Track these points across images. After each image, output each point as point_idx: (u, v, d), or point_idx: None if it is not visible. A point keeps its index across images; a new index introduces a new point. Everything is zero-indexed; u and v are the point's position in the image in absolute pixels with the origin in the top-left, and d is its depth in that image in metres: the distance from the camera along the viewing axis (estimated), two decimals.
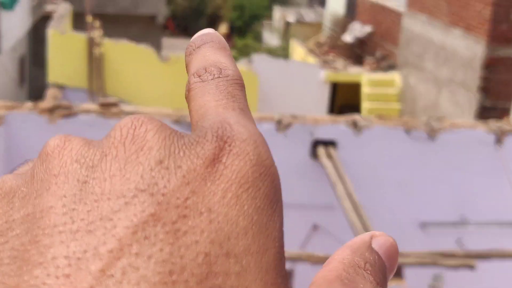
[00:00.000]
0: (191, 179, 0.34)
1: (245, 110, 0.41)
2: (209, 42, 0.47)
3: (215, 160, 0.35)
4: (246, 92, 0.44)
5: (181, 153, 0.35)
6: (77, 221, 0.32)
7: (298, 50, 22.28)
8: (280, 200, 0.37)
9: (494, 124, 9.57)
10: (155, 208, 0.32)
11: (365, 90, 17.49)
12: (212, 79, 0.42)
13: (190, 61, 0.46)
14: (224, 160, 0.35)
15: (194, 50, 0.46)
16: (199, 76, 0.43)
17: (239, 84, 0.44)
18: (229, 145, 0.35)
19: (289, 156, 8.93)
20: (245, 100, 0.43)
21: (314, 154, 8.93)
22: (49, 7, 20.75)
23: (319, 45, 22.32)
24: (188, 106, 0.43)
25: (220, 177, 0.34)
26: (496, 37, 13.78)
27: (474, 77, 14.23)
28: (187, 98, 0.43)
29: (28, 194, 0.35)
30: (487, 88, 14.05)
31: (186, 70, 0.46)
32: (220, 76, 0.43)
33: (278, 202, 0.36)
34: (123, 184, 0.33)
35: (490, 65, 13.94)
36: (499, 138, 9.32)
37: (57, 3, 20.72)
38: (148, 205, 0.32)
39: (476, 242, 8.58)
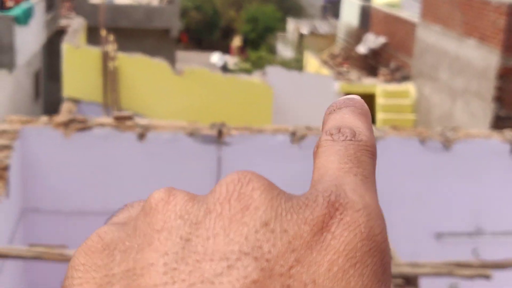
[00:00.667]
0: (297, 246, 0.32)
1: (368, 178, 0.39)
2: (351, 106, 0.44)
3: (323, 228, 0.33)
4: (364, 155, 0.40)
5: (288, 216, 0.33)
6: (178, 281, 0.31)
7: (312, 62, 22.33)
8: (389, 280, 0.35)
9: (509, 133, 9.54)
10: (259, 275, 0.31)
11: (379, 101, 17.51)
12: (343, 140, 0.40)
13: (327, 119, 0.44)
14: (333, 229, 0.33)
15: (334, 110, 0.45)
16: (331, 135, 0.41)
17: (370, 151, 0.41)
18: (340, 213, 0.33)
19: (304, 167, 8.92)
20: (373, 168, 0.40)
21: None
22: (63, 22, 20.96)
23: (333, 56, 22.39)
24: (313, 163, 0.41)
25: (327, 247, 0.33)
26: (510, 47, 13.74)
27: (488, 87, 14.19)
28: (314, 154, 0.41)
29: (129, 248, 0.35)
30: (502, 98, 14.00)
31: (321, 127, 0.44)
32: (352, 139, 0.40)
33: (386, 282, 0.34)
34: (226, 244, 0.33)
35: (505, 75, 13.90)
36: None
37: (71, 18, 20.91)
38: (251, 271, 0.31)
39: (492, 252, 8.51)
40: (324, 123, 0.44)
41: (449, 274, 7.14)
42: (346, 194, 0.34)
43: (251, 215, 0.33)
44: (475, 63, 14.75)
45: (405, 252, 7.67)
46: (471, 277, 7.21)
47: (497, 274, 7.38)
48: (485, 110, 14.25)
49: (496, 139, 9.39)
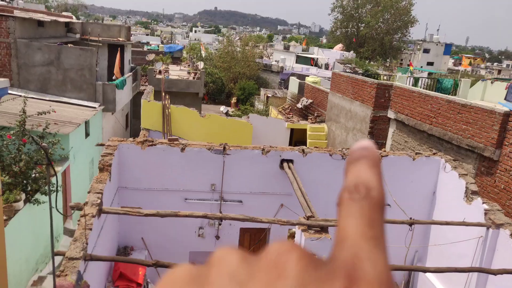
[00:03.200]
0: None
1: (379, 238, 0.30)
2: (366, 157, 0.34)
3: None
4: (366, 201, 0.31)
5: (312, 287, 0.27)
6: None
7: (273, 112, 22.43)
8: None
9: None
10: None
11: (309, 132, 17.61)
12: (359, 199, 0.31)
13: (348, 170, 0.34)
14: None
15: (353, 161, 0.34)
16: (350, 193, 0.32)
17: (380, 206, 0.32)
18: (357, 286, 0.26)
19: (268, 167, 9.00)
20: (382, 223, 0.31)
21: (281, 167, 9.00)
22: (141, 88, 20.95)
23: (284, 109, 22.49)
24: (337, 216, 0.33)
25: None
26: (377, 105, 13.97)
27: (366, 126, 14.37)
28: (338, 206, 0.33)
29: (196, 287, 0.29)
30: (372, 132, 14.19)
31: (344, 174, 0.34)
32: (366, 197, 0.32)
33: None
34: None
35: (374, 120, 14.11)
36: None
37: (146, 85, 20.90)
38: None
39: None
40: (346, 172, 0.34)
41: None
42: (361, 265, 0.27)
43: (282, 282, 0.27)
44: (359, 114, 14.95)
45: (321, 214, 7.60)
46: None
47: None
48: (364, 139, 14.41)
49: None
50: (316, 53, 48.17)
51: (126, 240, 8.79)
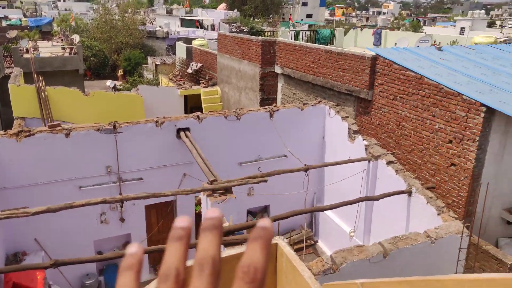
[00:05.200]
0: None
1: None
2: (262, 238, 0.39)
3: None
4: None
5: None
6: None
7: (164, 80, 21.70)
8: None
9: (268, 107, 9.99)
10: None
11: (203, 97, 17.49)
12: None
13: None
14: None
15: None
16: (242, 273, 0.38)
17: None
18: None
19: (164, 139, 8.81)
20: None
21: (178, 136, 8.87)
22: (7, 71, 18.40)
23: (174, 76, 21.89)
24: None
25: None
26: (264, 62, 14.34)
27: (256, 84, 14.73)
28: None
29: None
30: (263, 89, 14.62)
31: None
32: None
33: None
34: None
35: (263, 77, 14.51)
36: (271, 114, 9.75)
37: (12, 68, 18.40)
38: None
39: (266, 168, 8.95)
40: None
41: (246, 182, 7.39)
42: None
43: None
44: (249, 73, 15.22)
45: (223, 176, 7.75)
46: (257, 182, 7.55)
47: (270, 178, 7.71)
48: (256, 96, 14.82)
49: (263, 111, 9.81)
50: (200, 14, 47.11)
51: (15, 245, 7.97)
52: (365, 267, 5.55)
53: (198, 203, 10.17)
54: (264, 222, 0.42)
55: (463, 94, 8.47)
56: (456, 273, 6.14)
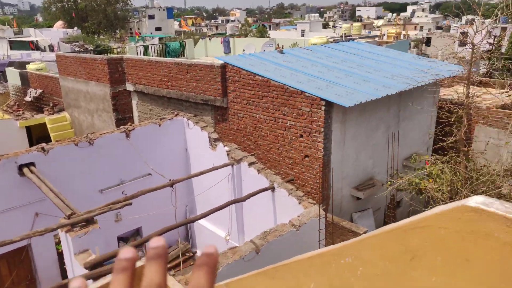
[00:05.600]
0: None
1: None
2: (207, 265, 0.42)
3: None
4: None
5: None
6: None
7: None
8: None
9: (123, 127, 9.71)
10: None
11: (49, 126, 16.03)
12: None
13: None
14: None
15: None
16: None
17: None
18: None
19: (4, 179, 7.85)
20: None
21: (21, 173, 8.01)
22: None
23: (10, 106, 19.54)
24: None
25: None
26: (113, 81, 13.84)
27: (109, 105, 14.13)
28: None
29: None
30: (117, 109, 14.10)
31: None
32: None
33: None
34: None
35: (115, 97, 14.00)
36: (127, 134, 9.50)
37: None
38: None
39: (132, 190, 8.68)
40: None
41: (109, 209, 7.08)
42: None
43: None
44: (98, 94, 14.49)
45: (84, 207, 7.31)
46: (121, 207, 7.29)
47: (135, 200, 7.52)
48: (111, 117, 14.20)
49: (117, 132, 9.49)
50: (33, 34, 42.87)
51: None
52: (241, 266, 5.87)
53: (59, 242, 9.33)
54: (208, 249, 0.44)
55: (305, 92, 9.53)
56: None
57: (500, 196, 7.59)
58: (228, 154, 9.01)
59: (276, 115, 10.11)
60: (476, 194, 7.44)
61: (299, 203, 7.70)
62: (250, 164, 8.71)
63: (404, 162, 10.56)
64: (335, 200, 9.56)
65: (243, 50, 17.58)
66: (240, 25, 62.61)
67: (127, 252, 0.44)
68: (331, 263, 1.94)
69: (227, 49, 18.95)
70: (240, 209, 8.97)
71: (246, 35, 47.00)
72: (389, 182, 8.25)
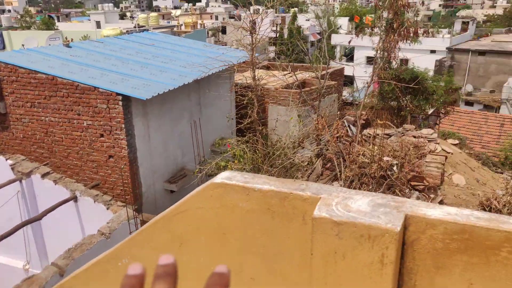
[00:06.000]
0: None
1: None
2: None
3: None
4: None
5: None
6: None
7: None
8: None
9: None
10: None
11: None
12: None
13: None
14: None
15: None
16: None
17: None
18: None
19: None
20: None
21: None
22: None
23: None
24: None
25: None
26: None
27: None
28: None
29: None
30: None
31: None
32: None
33: None
34: None
35: None
36: None
37: None
38: None
39: None
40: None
41: None
42: None
43: None
44: None
45: None
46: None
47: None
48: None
49: None
50: None
51: None
52: None
53: None
54: (220, 268, 0.42)
55: (99, 88, 8.99)
56: None
57: (292, 166, 8.74)
58: (13, 168, 7.83)
59: (69, 116, 9.30)
60: (274, 168, 8.36)
61: (108, 209, 7.29)
62: (44, 175, 7.78)
63: (211, 148, 11.12)
64: (149, 197, 9.44)
65: (22, 45, 15.52)
66: (19, 16, 55.03)
67: (134, 268, 0.43)
68: (109, 270, 1.87)
69: (0, 45, 16.37)
70: (39, 230, 7.93)
71: (28, 28, 41.79)
72: (197, 169, 8.58)
